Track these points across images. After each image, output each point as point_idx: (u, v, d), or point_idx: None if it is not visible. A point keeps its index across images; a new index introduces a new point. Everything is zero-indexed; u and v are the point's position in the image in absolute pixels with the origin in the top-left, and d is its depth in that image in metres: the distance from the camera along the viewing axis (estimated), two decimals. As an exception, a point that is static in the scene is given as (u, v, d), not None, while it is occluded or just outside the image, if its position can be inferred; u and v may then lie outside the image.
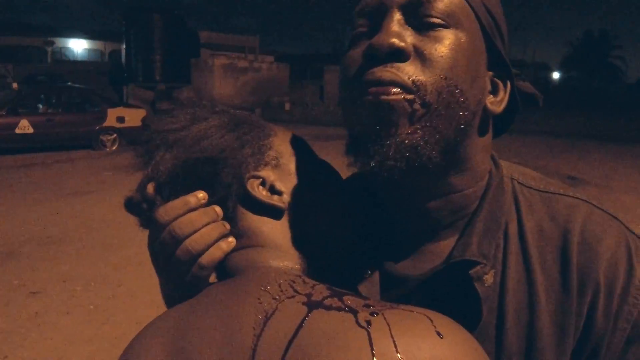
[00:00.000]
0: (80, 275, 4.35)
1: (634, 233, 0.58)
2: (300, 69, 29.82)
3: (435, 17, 0.53)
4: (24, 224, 5.78)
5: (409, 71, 0.51)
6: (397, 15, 0.53)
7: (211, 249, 0.55)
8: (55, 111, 11.08)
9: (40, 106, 11.15)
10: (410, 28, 0.53)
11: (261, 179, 0.60)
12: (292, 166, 0.62)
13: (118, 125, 11.41)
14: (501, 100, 0.59)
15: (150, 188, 0.61)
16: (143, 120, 11.80)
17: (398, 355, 0.39)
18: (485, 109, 0.58)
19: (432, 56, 0.52)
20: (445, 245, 0.60)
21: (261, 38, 29.67)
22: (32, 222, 5.83)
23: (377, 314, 0.42)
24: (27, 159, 10.06)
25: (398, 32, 0.52)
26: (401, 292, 0.60)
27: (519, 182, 0.63)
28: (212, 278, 0.60)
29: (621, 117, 21.14)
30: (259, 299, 0.47)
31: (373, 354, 0.39)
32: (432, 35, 0.53)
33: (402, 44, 0.51)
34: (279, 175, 0.61)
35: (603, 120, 20.40)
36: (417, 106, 0.51)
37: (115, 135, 11.38)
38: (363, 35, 0.56)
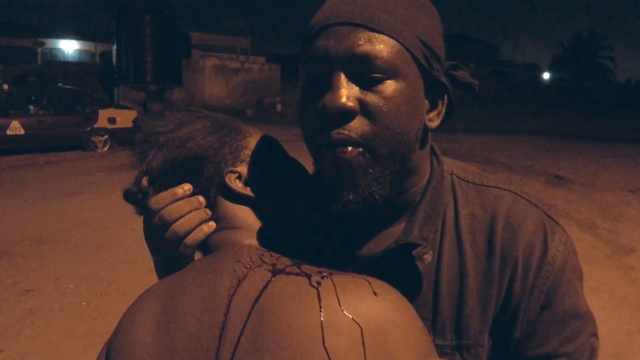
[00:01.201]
0: (73, 274, 4.42)
1: (552, 218, 0.69)
2: (291, 70, 29.81)
3: (376, 73, 0.59)
4: (16, 223, 5.83)
5: (357, 128, 0.60)
6: (342, 76, 0.60)
7: (194, 232, 0.66)
8: (46, 112, 11.03)
9: (31, 107, 11.08)
10: (354, 84, 0.60)
11: (237, 174, 0.70)
12: (263, 162, 0.73)
13: (109, 126, 11.39)
14: (439, 113, 0.68)
15: (144, 181, 0.72)
16: (134, 121, 11.77)
17: (341, 308, 0.50)
18: (424, 126, 0.67)
19: (376, 111, 0.60)
20: (394, 231, 0.71)
21: (252, 39, 29.64)
22: (25, 222, 5.88)
23: (327, 278, 0.53)
24: (18, 160, 10.05)
25: (345, 93, 0.59)
26: (356, 269, 0.70)
27: (457, 177, 0.74)
28: (198, 255, 0.70)
29: (609, 117, 21.41)
30: (233, 268, 0.58)
31: (320, 307, 0.50)
32: (374, 89, 0.60)
33: (350, 105, 0.59)
34: (252, 170, 0.72)
35: (591, 120, 20.64)
36: (367, 156, 0.61)
37: (106, 136, 11.37)
38: (314, 84, 0.63)
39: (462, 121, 18.36)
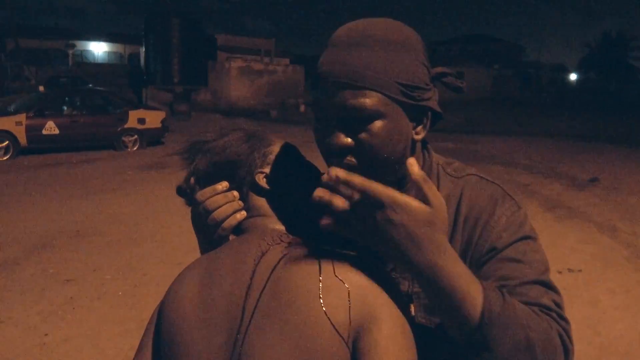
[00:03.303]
0: (109, 265, 4.70)
1: (509, 194, 0.87)
2: (315, 71, 29.92)
3: (362, 119, 0.76)
4: (55, 218, 6.15)
5: (354, 157, 0.78)
6: (339, 123, 0.77)
7: (229, 219, 0.87)
8: (79, 113, 11.41)
9: (65, 108, 11.45)
10: (348, 127, 0.77)
11: (265, 174, 0.90)
12: (285, 165, 0.93)
13: (139, 126, 11.74)
14: (425, 125, 0.84)
15: (192, 180, 0.94)
16: (162, 121, 12.12)
17: (335, 274, 0.69)
18: (412, 140, 0.83)
19: (367, 145, 0.77)
20: None
21: (277, 40, 29.90)
22: (63, 217, 6.21)
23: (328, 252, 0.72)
24: (53, 158, 10.47)
25: (342, 136, 0.77)
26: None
27: (442, 168, 0.93)
28: (232, 237, 0.91)
29: (636, 120, 20.95)
30: (259, 244, 0.78)
31: (320, 273, 0.69)
32: (364, 128, 0.76)
33: (346, 143, 0.77)
34: (276, 170, 0.93)
35: (618, 122, 20.24)
36: (364, 176, 0.79)
37: (136, 136, 11.72)
38: (322, 123, 0.81)
39: (485, 123, 18.22)
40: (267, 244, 0.78)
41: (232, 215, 0.86)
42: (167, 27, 18.94)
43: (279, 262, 0.73)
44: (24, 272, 4.52)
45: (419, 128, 0.84)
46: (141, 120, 11.78)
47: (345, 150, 0.78)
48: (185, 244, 5.08)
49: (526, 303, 0.73)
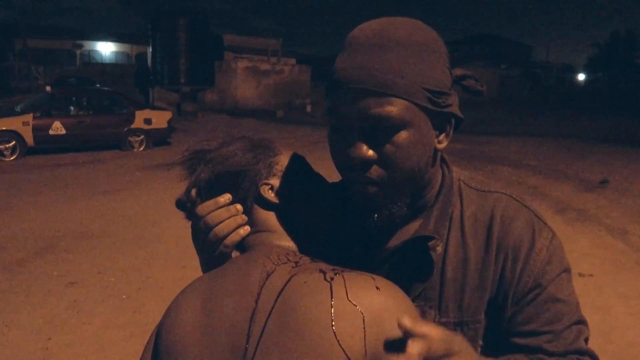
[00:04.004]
0: (114, 267, 4.67)
1: (540, 219, 0.83)
2: (322, 71, 29.94)
3: (387, 130, 0.71)
4: (60, 219, 6.14)
5: (376, 172, 0.73)
6: (360, 132, 0.72)
7: (232, 234, 0.79)
8: (86, 113, 11.42)
9: (72, 108, 11.47)
10: (370, 137, 0.72)
11: (270, 185, 0.84)
12: (292, 176, 0.87)
13: (145, 126, 11.73)
14: (447, 134, 0.79)
15: (193, 192, 0.86)
16: (169, 122, 12.10)
17: (348, 299, 0.62)
18: (434, 149, 0.78)
19: (391, 158, 0.72)
20: (410, 228, 0.85)
21: (284, 40, 29.91)
22: (68, 218, 6.19)
23: (339, 274, 0.66)
24: (60, 158, 10.48)
25: (363, 147, 0.72)
26: (382, 257, 0.84)
27: (463, 182, 0.87)
28: (236, 254, 0.85)
29: (646, 120, 20.75)
30: (264, 264, 0.72)
31: (332, 297, 0.63)
32: (388, 140, 0.71)
33: (368, 156, 0.72)
34: (282, 182, 0.86)
35: (627, 123, 20.06)
36: (385, 192, 0.75)
37: (142, 136, 11.71)
38: (339, 133, 0.76)
39: (493, 123, 18.12)
40: (273, 263, 0.71)
41: (235, 230, 0.79)
42: (174, 27, 18.94)
43: (285, 285, 0.67)
44: (29, 274, 4.50)
45: (442, 136, 0.78)
46: (147, 121, 11.78)
47: (367, 163, 0.73)
48: (191, 247, 4.93)
49: (566, 351, 0.77)
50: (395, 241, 0.84)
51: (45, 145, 10.72)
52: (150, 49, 20.57)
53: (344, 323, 0.61)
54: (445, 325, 0.79)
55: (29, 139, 10.46)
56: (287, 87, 24.11)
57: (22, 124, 10.38)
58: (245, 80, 22.88)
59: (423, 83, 0.71)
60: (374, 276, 0.66)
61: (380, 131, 0.71)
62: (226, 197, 0.81)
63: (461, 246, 0.81)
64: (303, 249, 0.80)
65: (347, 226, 0.87)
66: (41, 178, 8.58)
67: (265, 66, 23.73)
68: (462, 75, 0.82)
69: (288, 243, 0.81)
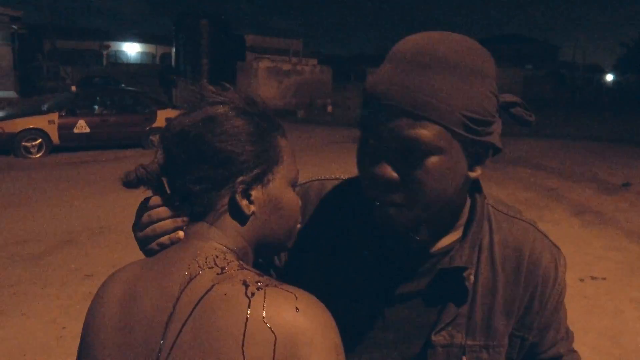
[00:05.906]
0: (129, 261, 4.77)
1: (555, 245, 0.87)
2: (343, 71, 29.97)
3: (416, 153, 0.66)
4: (80, 215, 6.32)
5: (400, 195, 0.70)
6: (388, 152, 0.68)
7: (164, 237, 0.73)
8: (109, 112, 11.70)
9: (96, 107, 11.76)
10: (399, 159, 0.68)
11: (250, 196, 0.72)
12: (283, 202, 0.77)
13: (167, 126, 11.97)
14: (482, 163, 0.74)
15: (160, 157, 0.78)
16: (190, 121, 12.31)
17: (263, 319, 0.60)
18: (466, 177, 0.73)
19: (418, 183, 0.68)
20: (440, 252, 0.82)
21: (304, 40, 30.00)
22: (88, 214, 6.36)
23: (261, 289, 0.62)
24: (83, 156, 10.74)
25: (389, 168, 0.68)
26: (413, 287, 0.81)
27: (492, 206, 0.86)
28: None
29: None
30: (189, 265, 0.67)
31: (247, 317, 0.60)
32: (417, 164, 0.67)
33: (393, 177, 0.68)
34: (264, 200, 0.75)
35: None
36: (408, 216, 0.72)
37: (163, 135, 11.95)
38: (368, 146, 0.71)
39: (516, 125, 17.81)
40: (199, 266, 0.66)
41: (171, 232, 0.73)
42: (197, 28, 19.24)
43: (205, 294, 0.63)
44: (48, 266, 4.66)
45: (476, 166, 0.74)
46: (169, 120, 11.94)
47: (391, 185, 0.69)
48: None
49: (568, 350, 0.92)
50: (422, 267, 0.82)
51: (69, 143, 11.01)
52: (174, 50, 20.90)
53: (254, 344, 0.59)
54: (472, 347, 0.81)
55: (55, 137, 10.78)
56: (308, 87, 24.20)
57: (48, 123, 10.71)
58: (266, 80, 23.05)
59: (464, 109, 0.66)
60: (299, 294, 0.63)
61: (410, 154, 0.67)
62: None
63: (490, 272, 0.82)
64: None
65: (369, 249, 0.83)
66: (65, 175, 8.82)
67: (286, 66, 23.86)
68: (511, 102, 0.77)
69: (224, 241, 0.71)
